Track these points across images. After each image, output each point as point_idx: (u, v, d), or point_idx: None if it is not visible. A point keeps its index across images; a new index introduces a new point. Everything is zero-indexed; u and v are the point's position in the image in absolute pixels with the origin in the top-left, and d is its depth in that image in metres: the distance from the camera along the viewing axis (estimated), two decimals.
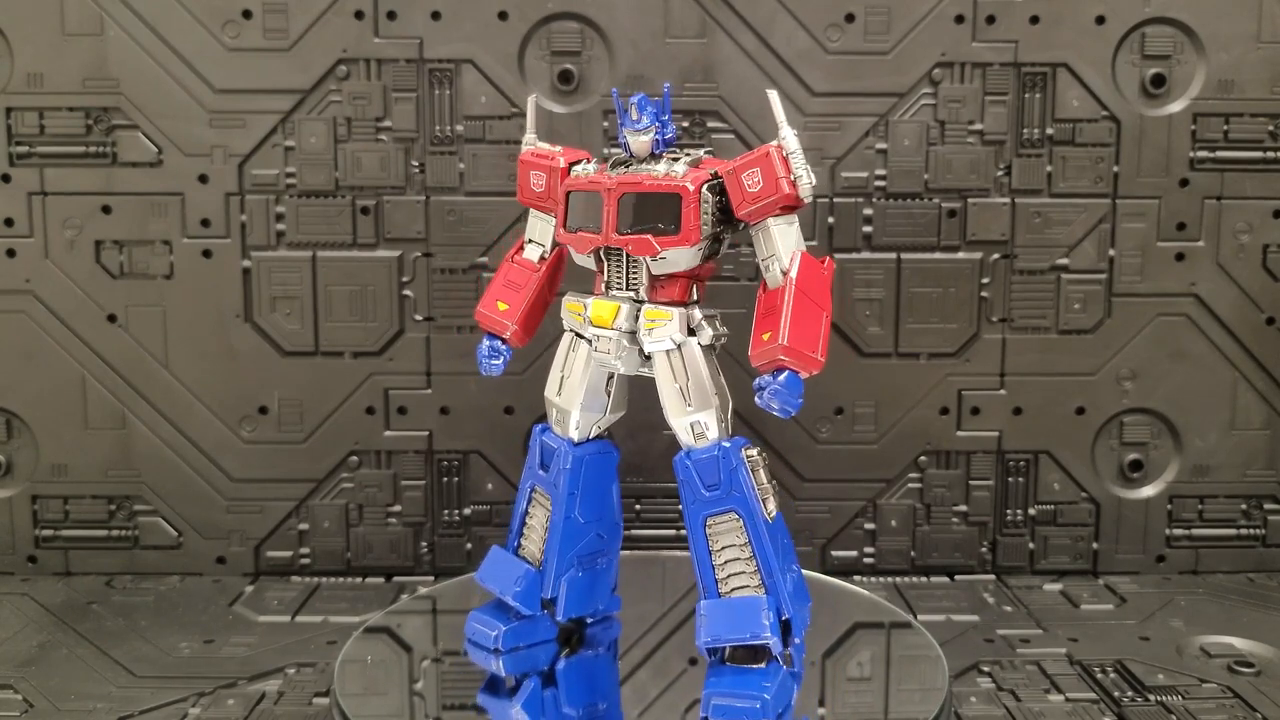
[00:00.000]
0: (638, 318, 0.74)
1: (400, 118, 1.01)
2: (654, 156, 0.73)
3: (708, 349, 0.74)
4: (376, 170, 1.02)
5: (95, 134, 1.01)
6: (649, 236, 0.71)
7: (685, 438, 0.74)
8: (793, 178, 0.70)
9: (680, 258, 0.72)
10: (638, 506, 1.07)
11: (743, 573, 0.72)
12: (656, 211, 0.72)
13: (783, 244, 0.71)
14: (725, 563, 0.72)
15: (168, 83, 1.00)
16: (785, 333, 0.69)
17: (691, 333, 0.73)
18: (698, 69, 1.01)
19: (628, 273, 0.74)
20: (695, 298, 0.75)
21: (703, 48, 1.01)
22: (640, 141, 0.73)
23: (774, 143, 0.71)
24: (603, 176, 0.74)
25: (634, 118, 0.73)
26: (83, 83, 1.00)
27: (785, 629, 0.72)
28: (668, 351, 0.73)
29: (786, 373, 0.69)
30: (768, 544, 0.71)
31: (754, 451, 0.73)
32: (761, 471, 0.72)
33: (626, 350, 0.75)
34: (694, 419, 0.73)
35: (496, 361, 0.81)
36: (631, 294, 0.74)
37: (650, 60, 1.01)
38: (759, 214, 0.71)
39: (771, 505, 0.72)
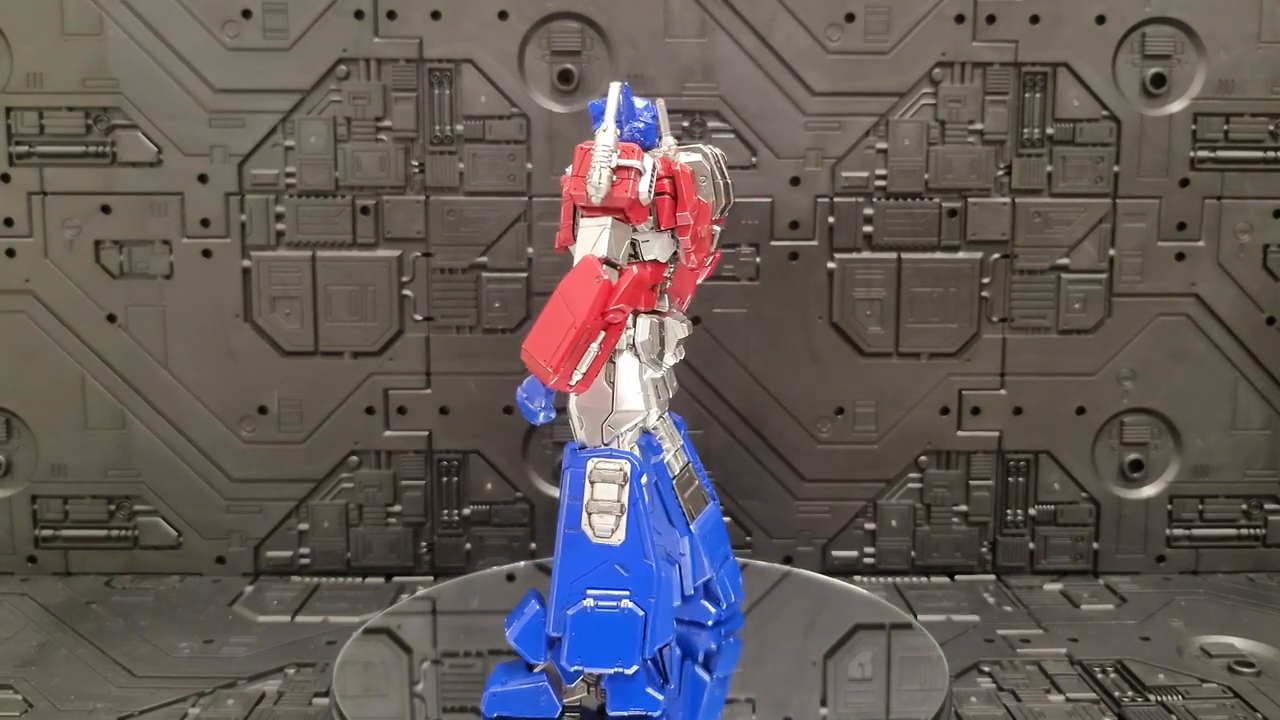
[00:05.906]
0: None
1: (400, 117, 1.01)
2: None
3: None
4: (376, 170, 1.02)
5: (95, 134, 1.01)
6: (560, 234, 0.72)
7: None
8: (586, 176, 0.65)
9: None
10: None
11: None
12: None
13: (578, 245, 0.67)
14: None
15: (167, 82, 1.00)
16: (530, 333, 0.65)
17: None
18: (698, 69, 1.01)
19: None
20: None
21: (703, 48, 1.01)
22: None
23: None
24: None
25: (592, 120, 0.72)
26: (82, 82, 1.00)
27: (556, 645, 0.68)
28: None
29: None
30: (560, 556, 0.68)
31: (612, 466, 0.67)
32: (604, 486, 0.67)
33: None
34: (571, 415, 0.70)
35: None
36: None
37: (650, 60, 1.01)
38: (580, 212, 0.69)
39: (602, 523, 0.67)
